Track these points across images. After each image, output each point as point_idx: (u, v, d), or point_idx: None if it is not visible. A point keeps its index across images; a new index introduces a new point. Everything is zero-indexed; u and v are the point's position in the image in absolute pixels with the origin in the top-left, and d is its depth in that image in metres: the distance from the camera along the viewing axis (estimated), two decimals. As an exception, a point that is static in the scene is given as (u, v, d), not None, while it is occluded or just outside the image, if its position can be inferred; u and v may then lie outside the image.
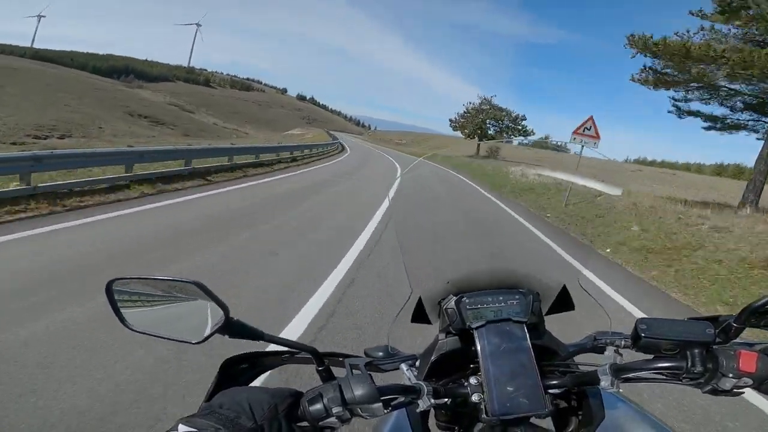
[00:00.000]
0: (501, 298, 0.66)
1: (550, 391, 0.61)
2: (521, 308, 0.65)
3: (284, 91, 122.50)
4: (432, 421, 0.69)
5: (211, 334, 0.52)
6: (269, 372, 0.67)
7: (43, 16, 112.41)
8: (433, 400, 0.55)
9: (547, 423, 0.65)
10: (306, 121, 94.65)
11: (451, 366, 0.67)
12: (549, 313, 0.71)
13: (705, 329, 0.54)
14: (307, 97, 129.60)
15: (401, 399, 0.52)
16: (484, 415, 0.56)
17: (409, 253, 0.93)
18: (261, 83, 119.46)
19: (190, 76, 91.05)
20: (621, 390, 0.56)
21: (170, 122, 53.06)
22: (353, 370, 0.53)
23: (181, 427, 0.40)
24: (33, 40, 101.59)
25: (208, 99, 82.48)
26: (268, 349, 0.63)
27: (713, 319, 0.56)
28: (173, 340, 0.56)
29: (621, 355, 0.59)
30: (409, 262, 0.82)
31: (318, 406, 0.48)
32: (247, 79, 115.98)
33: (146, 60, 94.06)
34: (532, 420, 0.59)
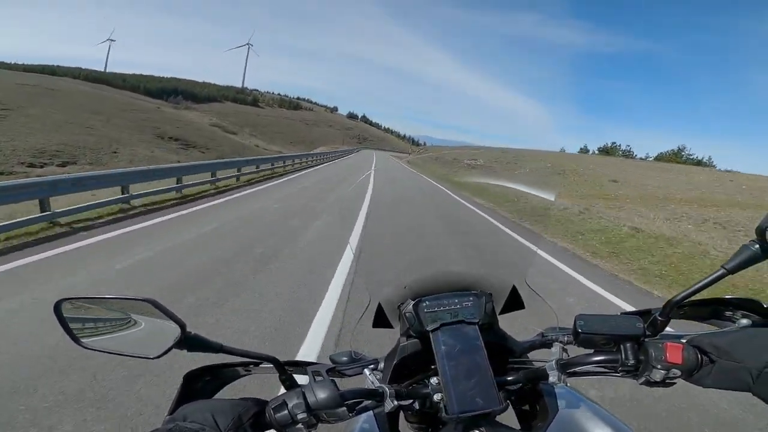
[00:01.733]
0: (456, 300, 0.70)
1: (509, 387, 0.65)
2: (475, 309, 0.69)
3: (334, 109, 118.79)
4: (404, 423, 0.71)
5: (169, 349, 0.53)
6: (233, 383, 0.67)
7: (113, 41, 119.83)
8: (396, 402, 0.58)
9: (512, 418, 0.68)
10: (357, 141, 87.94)
11: (415, 368, 0.69)
12: (502, 312, 0.75)
13: (635, 323, 0.57)
14: (359, 116, 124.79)
15: (366, 402, 0.56)
16: (443, 414, 0.59)
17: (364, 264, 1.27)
18: (311, 102, 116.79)
19: (239, 96, 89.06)
20: (568, 384, 0.61)
21: (203, 145, 47.49)
22: (316, 377, 0.56)
23: None
24: (106, 65, 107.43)
25: (253, 119, 78.47)
26: (230, 361, 0.63)
27: (644, 313, 0.60)
28: (130, 356, 0.57)
29: (566, 350, 0.64)
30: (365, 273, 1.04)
31: (283, 413, 0.50)
32: (297, 98, 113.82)
33: (198, 81, 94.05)
34: (498, 418, 0.63)
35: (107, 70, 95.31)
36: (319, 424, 0.52)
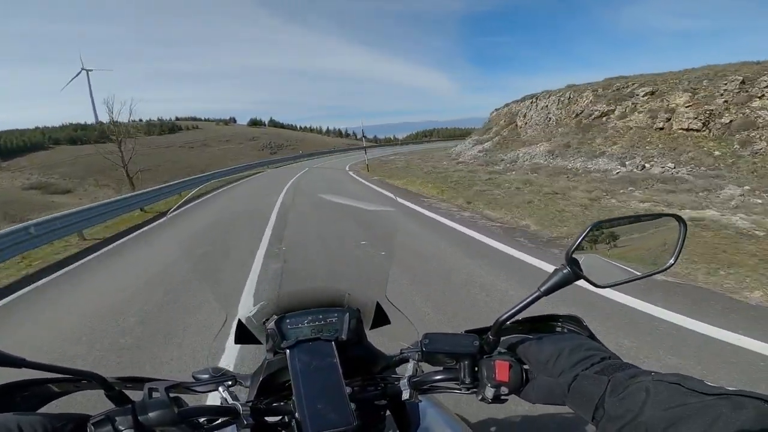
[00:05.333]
0: (321, 316, 0.73)
1: (377, 402, 0.69)
2: (338, 326, 0.72)
3: (230, 121, 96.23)
4: None
5: None
6: (56, 402, 0.64)
7: None
8: (252, 420, 0.60)
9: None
10: (269, 150, 67.58)
11: (287, 385, 0.70)
12: (372, 327, 0.79)
13: (473, 341, 0.60)
14: (265, 121, 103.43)
15: (220, 420, 0.57)
16: None
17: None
18: (196, 119, 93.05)
19: (80, 134, 63.91)
20: (420, 400, 0.66)
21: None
22: (152, 393, 0.55)
23: None
24: None
25: (104, 161, 54.07)
26: (48, 377, 0.59)
27: (484, 331, 0.62)
28: None
29: (420, 366, 0.68)
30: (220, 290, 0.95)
31: (106, 428, 0.49)
32: (177, 118, 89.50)
33: (18, 129, 66.59)
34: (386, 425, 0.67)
35: None
36: None
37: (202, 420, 0.55)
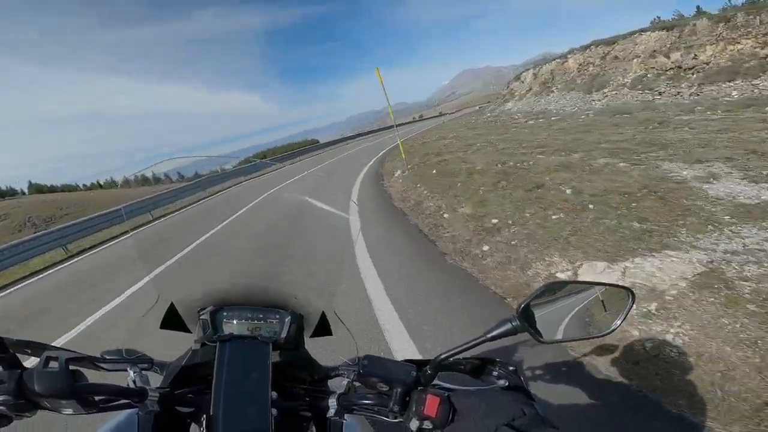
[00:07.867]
0: (261, 315, 0.71)
1: (303, 413, 0.69)
2: (278, 328, 0.70)
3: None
4: None
5: None
6: None
7: None
8: (158, 407, 0.58)
9: None
10: (34, 229, 46.81)
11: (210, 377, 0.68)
12: (313, 335, 0.78)
13: (410, 372, 0.62)
14: (22, 189, 74.32)
15: (122, 401, 0.56)
16: (204, 429, 0.57)
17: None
18: None
19: None
20: (346, 419, 0.65)
21: None
22: (50, 362, 0.51)
23: None
24: None
25: None
26: None
27: (424, 363, 0.64)
28: None
29: (353, 386, 0.68)
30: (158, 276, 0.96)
31: None
32: None
33: None
34: None
35: None
36: (38, 412, 0.51)
37: (98, 398, 0.52)
